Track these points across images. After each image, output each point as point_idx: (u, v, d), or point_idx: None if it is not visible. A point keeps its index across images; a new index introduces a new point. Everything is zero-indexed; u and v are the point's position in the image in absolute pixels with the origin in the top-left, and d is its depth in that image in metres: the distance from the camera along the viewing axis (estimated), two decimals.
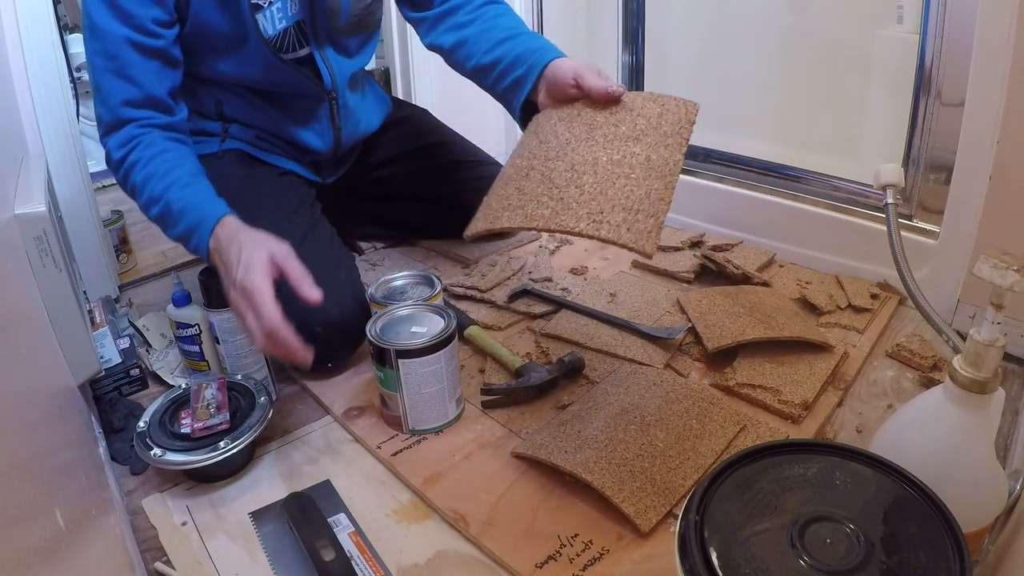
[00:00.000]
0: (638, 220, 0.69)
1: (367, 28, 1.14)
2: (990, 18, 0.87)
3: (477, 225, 0.77)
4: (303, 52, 1.05)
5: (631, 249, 0.68)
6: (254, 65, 1.02)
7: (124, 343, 1.04)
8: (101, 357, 0.94)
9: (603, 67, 1.54)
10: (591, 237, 0.69)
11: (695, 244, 1.31)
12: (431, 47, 1.16)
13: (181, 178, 0.90)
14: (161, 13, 0.91)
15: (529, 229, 0.75)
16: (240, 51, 1.00)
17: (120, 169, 0.93)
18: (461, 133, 1.40)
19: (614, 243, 0.68)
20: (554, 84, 0.92)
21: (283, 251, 0.81)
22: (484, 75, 1.05)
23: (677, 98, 0.84)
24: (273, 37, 1.01)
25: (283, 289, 0.96)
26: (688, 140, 0.79)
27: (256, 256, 0.78)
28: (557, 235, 1.43)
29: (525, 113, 0.97)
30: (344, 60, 1.11)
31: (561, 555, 0.68)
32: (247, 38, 0.98)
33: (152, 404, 0.84)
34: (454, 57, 1.10)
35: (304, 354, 0.77)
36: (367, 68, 1.24)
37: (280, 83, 1.06)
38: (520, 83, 0.97)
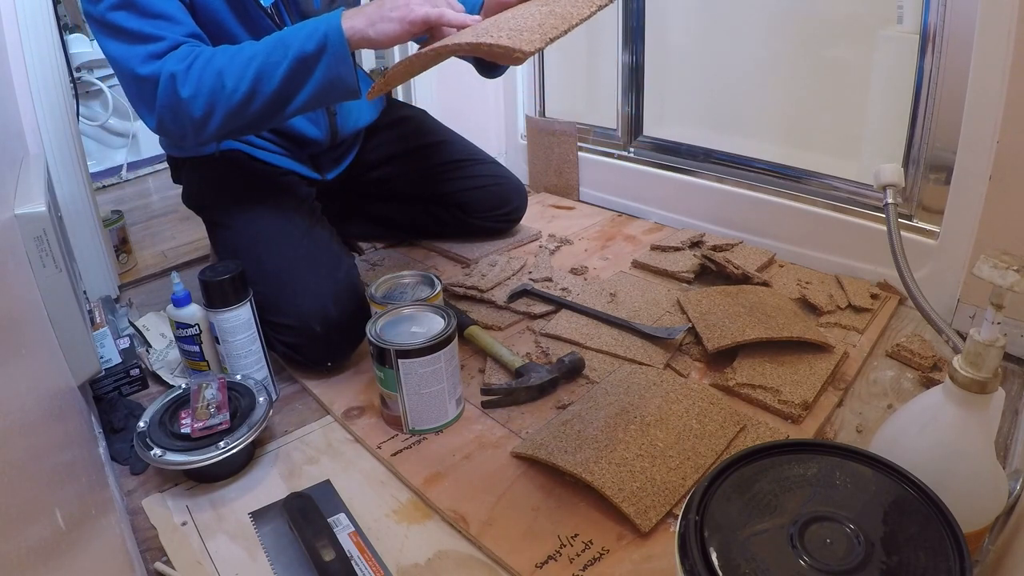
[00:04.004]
0: (522, 35, 0.68)
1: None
2: (990, 18, 0.87)
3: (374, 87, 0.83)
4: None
5: (505, 48, 0.66)
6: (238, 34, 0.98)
7: (124, 343, 1.04)
8: (101, 357, 0.94)
9: (603, 67, 1.56)
10: (468, 51, 0.71)
11: (695, 244, 1.31)
12: None
13: (262, 40, 0.88)
14: None
15: (415, 66, 0.80)
16: (224, 25, 0.97)
17: (188, 75, 0.85)
18: (460, 134, 1.40)
19: (490, 46, 0.67)
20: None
21: None
22: None
23: None
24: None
25: (282, 288, 0.97)
26: (601, 7, 0.76)
27: None
28: (557, 235, 1.43)
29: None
30: None
31: (561, 555, 0.68)
32: (237, 10, 0.97)
33: (152, 404, 0.84)
34: None
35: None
36: (368, 69, 1.24)
37: None
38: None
